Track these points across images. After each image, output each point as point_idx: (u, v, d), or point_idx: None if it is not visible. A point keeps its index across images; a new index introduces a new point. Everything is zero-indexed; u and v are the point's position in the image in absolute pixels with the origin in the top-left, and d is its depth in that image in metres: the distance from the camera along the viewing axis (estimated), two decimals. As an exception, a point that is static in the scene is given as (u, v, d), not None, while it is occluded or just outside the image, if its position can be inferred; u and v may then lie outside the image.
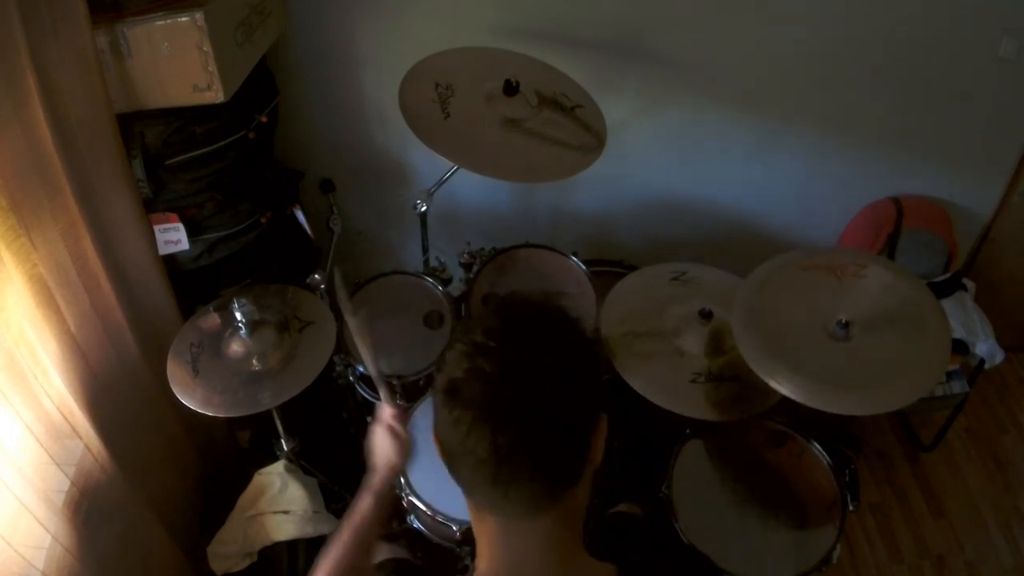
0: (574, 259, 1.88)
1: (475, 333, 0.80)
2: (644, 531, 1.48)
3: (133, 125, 1.58)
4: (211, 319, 1.66)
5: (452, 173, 1.79)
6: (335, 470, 1.95)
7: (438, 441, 0.83)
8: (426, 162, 2.23)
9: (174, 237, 1.72)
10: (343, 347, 1.75)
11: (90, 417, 1.42)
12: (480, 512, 0.86)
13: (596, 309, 1.75)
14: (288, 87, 2.05)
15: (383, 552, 1.47)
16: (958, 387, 2.11)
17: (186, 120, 1.63)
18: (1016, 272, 2.37)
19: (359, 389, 1.86)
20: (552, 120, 1.74)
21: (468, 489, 0.83)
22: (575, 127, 1.76)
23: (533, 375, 0.77)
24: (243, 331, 1.60)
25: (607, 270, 2.04)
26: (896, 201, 2.21)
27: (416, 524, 1.61)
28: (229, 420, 1.80)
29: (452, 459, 0.81)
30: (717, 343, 1.62)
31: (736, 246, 2.36)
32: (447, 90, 1.71)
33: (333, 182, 2.29)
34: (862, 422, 2.39)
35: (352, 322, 1.36)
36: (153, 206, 1.68)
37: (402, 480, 1.55)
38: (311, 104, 2.15)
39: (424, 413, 1.65)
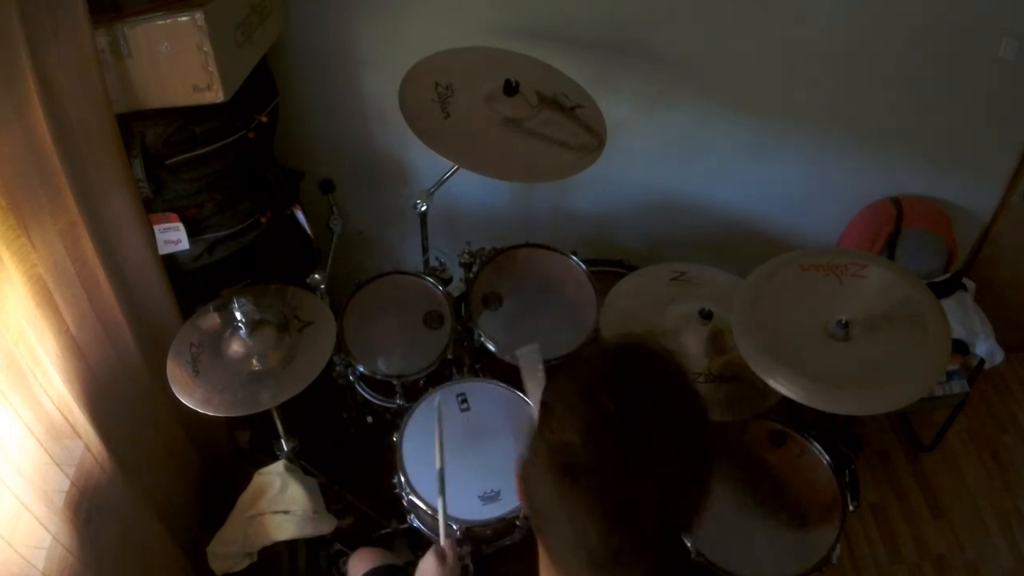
0: (574, 259, 1.88)
1: (601, 398, 0.71)
2: None
3: (133, 125, 1.58)
4: (211, 319, 1.66)
5: (452, 173, 1.79)
6: (335, 470, 1.95)
7: (527, 495, 0.77)
8: (426, 162, 2.23)
9: (174, 237, 1.72)
10: (343, 347, 1.75)
11: (90, 417, 1.42)
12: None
13: (596, 309, 1.75)
14: (288, 87, 2.05)
15: (378, 558, 1.47)
16: (958, 387, 2.11)
17: (186, 120, 1.62)
18: (1016, 272, 2.37)
19: (359, 389, 1.86)
20: (552, 120, 1.74)
21: (556, 558, 0.78)
22: (575, 127, 1.76)
23: (660, 474, 0.70)
24: (243, 331, 1.60)
25: (607, 270, 2.04)
26: (896, 201, 2.21)
27: (416, 524, 1.61)
28: (229, 420, 1.79)
29: (545, 523, 0.75)
30: (717, 343, 1.62)
31: (736, 246, 2.36)
32: (447, 90, 1.71)
33: (333, 182, 2.29)
34: (862, 422, 2.39)
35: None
36: (153, 206, 1.68)
37: (402, 479, 1.55)
38: (311, 104, 2.15)
39: (424, 412, 1.65)
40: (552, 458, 0.72)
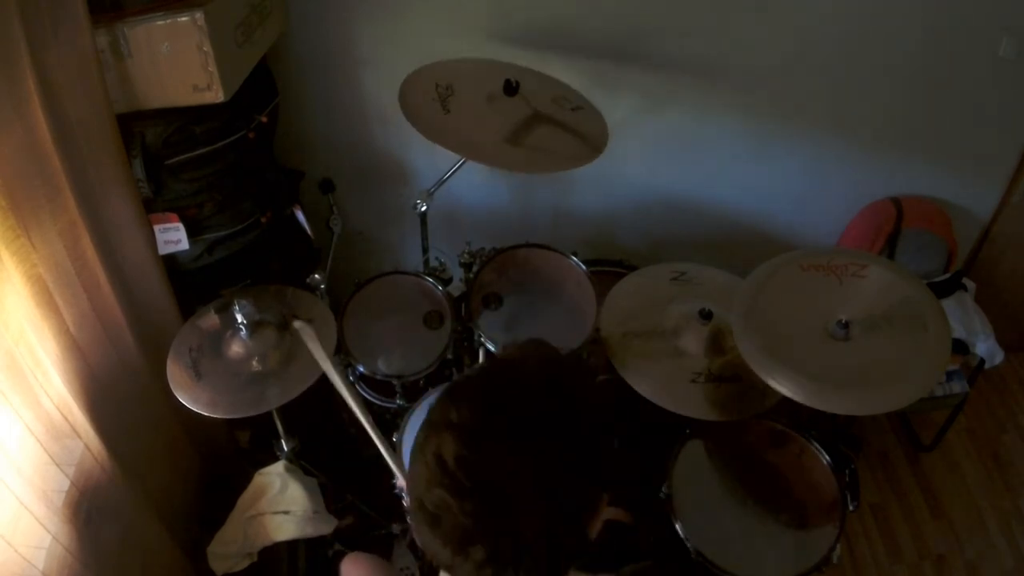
0: (574, 259, 1.88)
1: (444, 445, 0.72)
2: (636, 540, 1.47)
3: (133, 125, 1.58)
4: (211, 319, 1.66)
5: (454, 171, 1.79)
6: (335, 470, 1.95)
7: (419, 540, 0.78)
8: (426, 162, 2.23)
9: (174, 237, 1.72)
10: (343, 347, 1.75)
11: (90, 417, 1.42)
12: None
13: (596, 309, 1.75)
14: (288, 87, 2.05)
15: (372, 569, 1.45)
16: (958, 387, 2.11)
17: (186, 120, 1.62)
18: (1016, 272, 2.37)
19: (359, 389, 1.86)
20: (552, 120, 1.74)
21: None
22: (575, 127, 1.76)
23: (519, 503, 0.71)
24: (243, 332, 1.60)
25: (607, 270, 2.04)
26: (896, 201, 2.21)
27: (416, 524, 1.61)
28: (229, 420, 1.79)
29: (431, 536, 0.76)
30: (717, 343, 1.62)
31: (736, 246, 2.36)
32: (447, 90, 1.71)
33: (333, 182, 2.28)
34: (862, 422, 2.39)
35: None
36: (153, 206, 1.68)
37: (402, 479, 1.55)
38: (311, 104, 2.15)
39: (424, 411, 1.65)
40: (422, 520, 0.75)
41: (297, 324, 1.51)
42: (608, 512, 1.49)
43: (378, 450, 1.38)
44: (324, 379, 1.63)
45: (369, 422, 1.35)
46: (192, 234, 1.74)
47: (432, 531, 0.74)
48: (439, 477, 0.72)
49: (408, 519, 0.73)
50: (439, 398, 0.78)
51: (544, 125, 1.72)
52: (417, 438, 0.78)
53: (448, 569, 0.76)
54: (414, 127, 1.61)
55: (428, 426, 0.77)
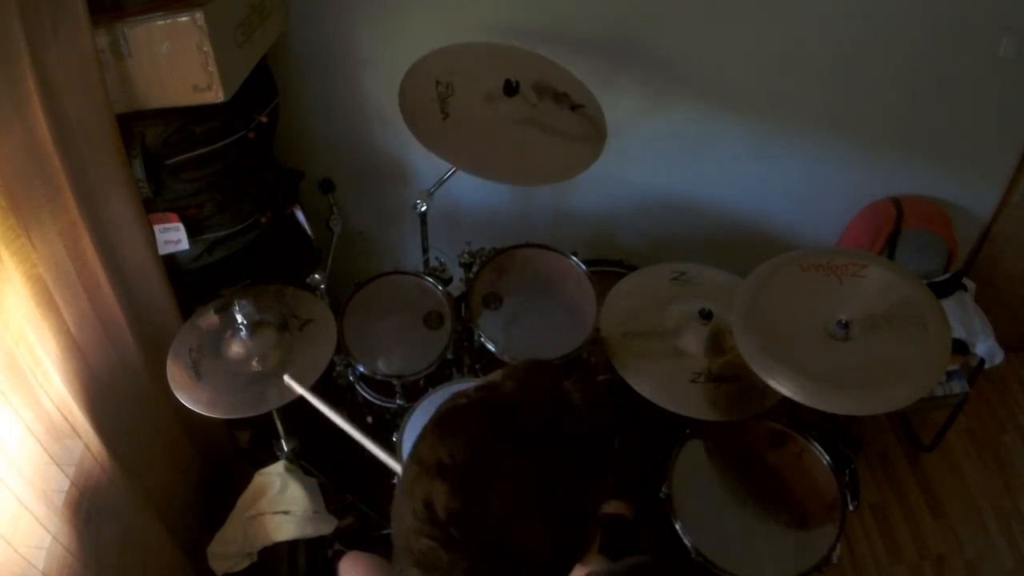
0: (574, 259, 1.88)
1: (435, 494, 0.67)
2: (636, 534, 1.47)
3: (133, 125, 1.58)
4: (211, 319, 1.66)
5: (452, 174, 1.79)
6: (335, 470, 1.95)
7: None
8: (426, 162, 2.22)
9: (174, 237, 1.72)
10: (343, 347, 1.75)
11: (90, 417, 1.42)
12: None
13: (596, 309, 1.75)
14: (288, 87, 2.05)
15: (372, 568, 1.45)
16: (958, 387, 2.11)
17: (186, 120, 1.62)
18: (1016, 272, 2.37)
19: (359, 389, 1.86)
20: (552, 121, 1.74)
21: None
22: (575, 128, 1.76)
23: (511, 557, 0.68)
24: (243, 332, 1.60)
25: (607, 270, 2.04)
26: (896, 201, 2.21)
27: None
28: (229, 420, 1.79)
29: None
30: (717, 343, 1.62)
31: (736, 246, 2.36)
32: (447, 88, 1.71)
33: (333, 182, 2.29)
34: (862, 422, 2.39)
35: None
36: (153, 206, 1.68)
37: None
38: (311, 104, 2.15)
39: (424, 411, 1.65)
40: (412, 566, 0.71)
41: (286, 378, 1.53)
42: (609, 506, 1.50)
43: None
44: (323, 379, 1.63)
45: (373, 444, 1.35)
46: (192, 234, 1.74)
47: (422, 573, 0.70)
48: (429, 528, 0.67)
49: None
50: (428, 430, 0.72)
51: (543, 130, 1.72)
52: (405, 475, 0.72)
53: None
54: (413, 134, 1.61)
55: (418, 462, 0.71)
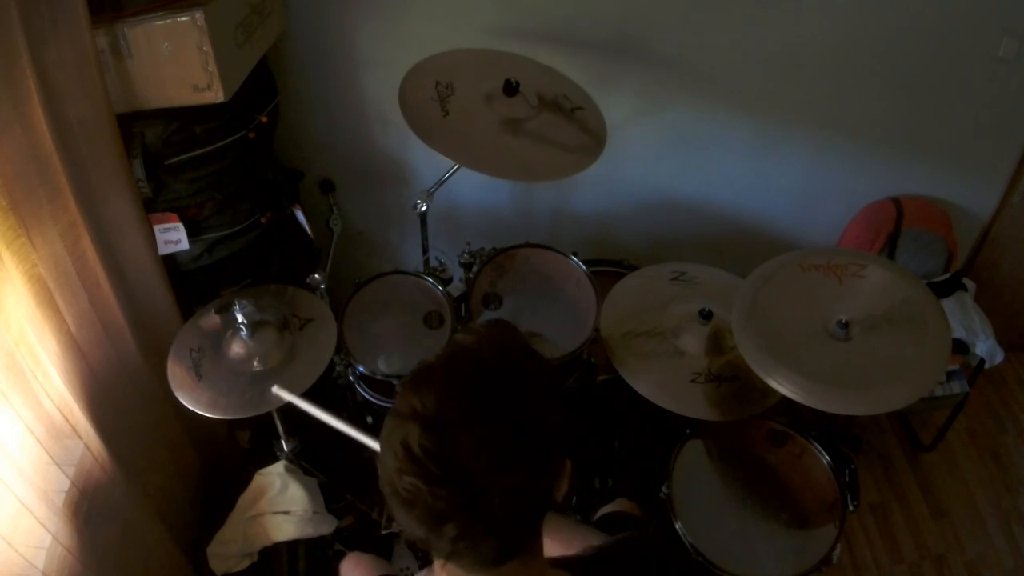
0: (574, 259, 1.88)
1: (411, 436, 0.75)
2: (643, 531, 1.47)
3: (133, 125, 1.58)
4: (211, 319, 1.66)
5: (452, 173, 1.79)
6: (335, 470, 1.95)
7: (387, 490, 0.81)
8: (426, 162, 2.23)
9: (174, 237, 1.72)
10: (343, 347, 1.75)
11: (90, 417, 1.42)
12: (440, 560, 0.87)
13: (596, 309, 1.75)
14: (288, 87, 2.05)
15: (372, 567, 1.45)
16: (958, 387, 2.11)
17: (186, 120, 1.63)
18: (1016, 272, 2.37)
19: (359, 389, 1.86)
20: (552, 120, 1.74)
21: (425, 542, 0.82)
22: (575, 128, 1.76)
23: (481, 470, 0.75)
24: (244, 332, 1.60)
25: (607, 270, 2.04)
26: (896, 201, 2.21)
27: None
28: (229, 420, 1.79)
29: (406, 518, 0.79)
30: (717, 343, 1.62)
31: (736, 246, 2.36)
32: (447, 89, 1.71)
33: (333, 182, 2.29)
34: (862, 422, 2.39)
35: None
36: (153, 206, 1.68)
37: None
38: (311, 104, 2.15)
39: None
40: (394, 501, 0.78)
41: (275, 389, 1.54)
42: (617, 504, 1.50)
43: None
44: (323, 379, 1.63)
45: (373, 443, 1.35)
46: (192, 234, 1.74)
47: (407, 513, 0.78)
48: (409, 466, 0.75)
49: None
50: (403, 386, 0.82)
51: (543, 129, 1.72)
52: (385, 427, 0.81)
53: (424, 545, 0.80)
54: (413, 131, 1.61)
55: (395, 415, 0.80)
